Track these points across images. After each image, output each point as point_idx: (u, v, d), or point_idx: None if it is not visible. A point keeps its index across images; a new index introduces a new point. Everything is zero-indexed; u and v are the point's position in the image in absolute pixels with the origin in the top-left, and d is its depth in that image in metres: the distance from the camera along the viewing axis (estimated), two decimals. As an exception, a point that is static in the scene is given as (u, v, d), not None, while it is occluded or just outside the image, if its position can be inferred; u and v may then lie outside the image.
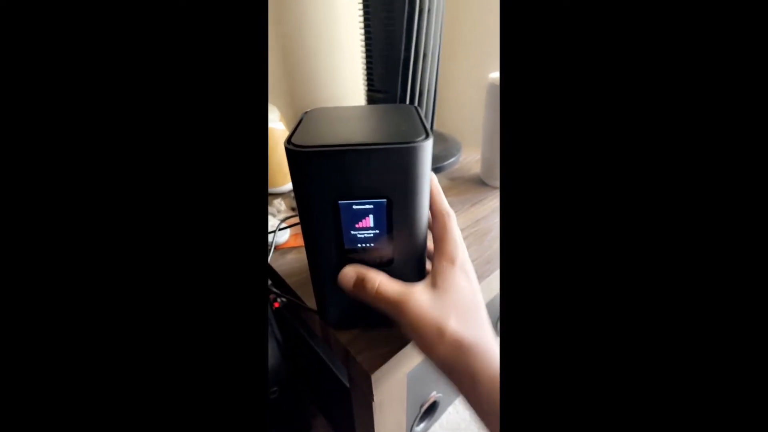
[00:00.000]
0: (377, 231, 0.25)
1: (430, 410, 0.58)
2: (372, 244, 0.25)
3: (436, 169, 0.56)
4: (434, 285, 0.24)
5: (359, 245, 0.25)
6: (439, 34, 0.50)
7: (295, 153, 0.22)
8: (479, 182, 0.53)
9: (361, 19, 0.51)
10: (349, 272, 0.26)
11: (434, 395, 0.56)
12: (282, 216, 0.47)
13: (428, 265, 0.28)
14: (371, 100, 0.55)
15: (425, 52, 0.50)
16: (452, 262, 0.25)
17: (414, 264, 0.27)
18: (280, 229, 0.42)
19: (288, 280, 0.37)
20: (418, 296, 0.24)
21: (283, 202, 0.49)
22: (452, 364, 0.23)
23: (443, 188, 0.27)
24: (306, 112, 0.29)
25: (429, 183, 0.24)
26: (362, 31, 0.52)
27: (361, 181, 0.23)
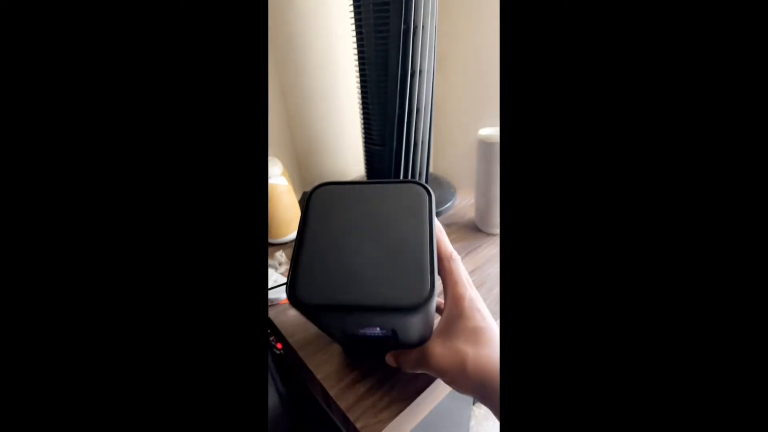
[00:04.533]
0: (385, 331, 0.27)
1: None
2: (380, 335, 0.28)
3: (433, 215, 0.58)
4: (446, 330, 0.27)
5: (368, 334, 0.27)
6: (430, 92, 0.53)
7: (300, 306, 0.22)
8: (474, 228, 0.55)
9: (358, 79, 0.54)
10: (389, 358, 0.31)
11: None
12: (283, 269, 0.49)
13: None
14: (369, 152, 0.58)
15: (418, 108, 0.53)
16: (460, 304, 0.27)
17: (422, 341, 0.29)
18: (278, 286, 0.43)
19: (290, 339, 0.38)
20: (433, 351, 0.27)
21: (284, 254, 0.51)
22: (484, 390, 0.24)
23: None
24: (308, 206, 0.25)
25: (433, 310, 0.24)
26: (359, 89, 0.55)
27: (365, 325, 0.25)
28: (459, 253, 0.50)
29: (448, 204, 0.60)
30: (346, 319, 0.23)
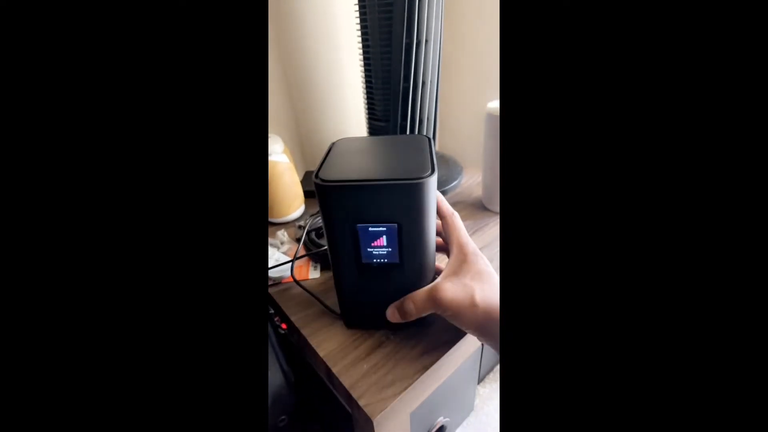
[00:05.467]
0: (390, 249, 0.29)
1: (438, 433, 0.58)
2: (386, 260, 0.30)
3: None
4: (454, 272, 0.29)
5: (374, 261, 0.30)
6: (437, 63, 0.51)
7: (320, 186, 0.27)
8: (481, 207, 0.53)
9: (361, 51, 0.52)
10: (390, 311, 0.32)
11: (441, 420, 0.56)
12: (285, 248, 0.48)
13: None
14: (373, 129, 0.56)
15: (423, 81, 0.50)
16: (464, 250, 0.30)
17: (424, 272, 0.30)
18: (280, 264, 0.43)
19: (293, 318, 0.37)
20: (444, 286, 0.29)
21: (285, 233, 0.50)
22: (487, 327, 0.27)
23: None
24: (333, 143, 0.34)
25: (435, 208, 0.28)
26: (362, 63, 0.53)
27: (374, 209, 0.27)
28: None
29: (454, 182, 0.58)
30: (358, 198, 0.27)
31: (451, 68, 0.69)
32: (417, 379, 0.30)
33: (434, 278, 0.32)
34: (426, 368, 0.31)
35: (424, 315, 0.30)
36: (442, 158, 0.65)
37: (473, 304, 0.27)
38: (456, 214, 0.32)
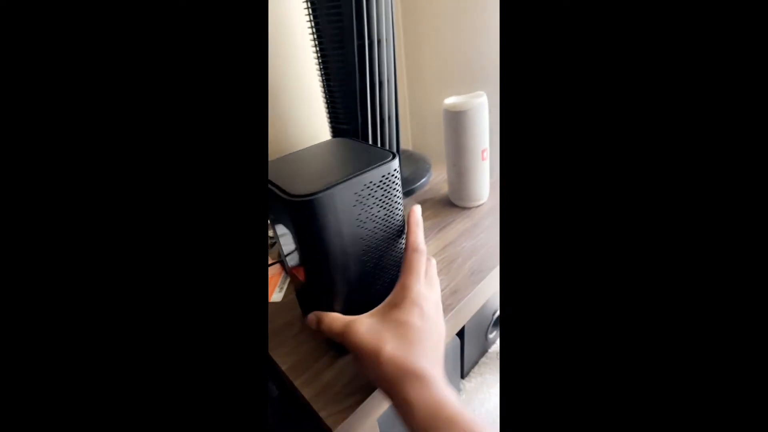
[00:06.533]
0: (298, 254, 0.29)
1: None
2: (298, 263, 0.30)
3: (407, 192, 0.57)
4: (379, 313, 0.27)
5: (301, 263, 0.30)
6: (392, 63, 0.50)
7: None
8: (449, 203, 0.53)
9: (316, 55, 0.51)
10: (310, 316, 0.29)
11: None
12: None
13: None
14: (336, 132, 0.55)
15: (380, 81, 0.50)
16: (404, 293, 0.27)
17: (334, 294, 0.29)
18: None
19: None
20: (358, 324, 0.26)
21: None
22: (391, 386, 0.24)
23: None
24: (319, 143, 0.35)
25: (347, 231, 0.26)
26: (319, 67, 0.52)
27: (278, 217, 0.28)
28: (431, 230, 0.49)
29: (422, 180, 0.58)
30: (270, 201, 0.28)
31: (415, 66, 0.68)
32: (379, 385, 0.30)
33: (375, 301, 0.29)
34: (388, 373, 0.30)
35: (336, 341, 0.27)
36: (410, 156, 0.65)
37: (377, 358, 0.24)
38: (421, 251, 0.29)
